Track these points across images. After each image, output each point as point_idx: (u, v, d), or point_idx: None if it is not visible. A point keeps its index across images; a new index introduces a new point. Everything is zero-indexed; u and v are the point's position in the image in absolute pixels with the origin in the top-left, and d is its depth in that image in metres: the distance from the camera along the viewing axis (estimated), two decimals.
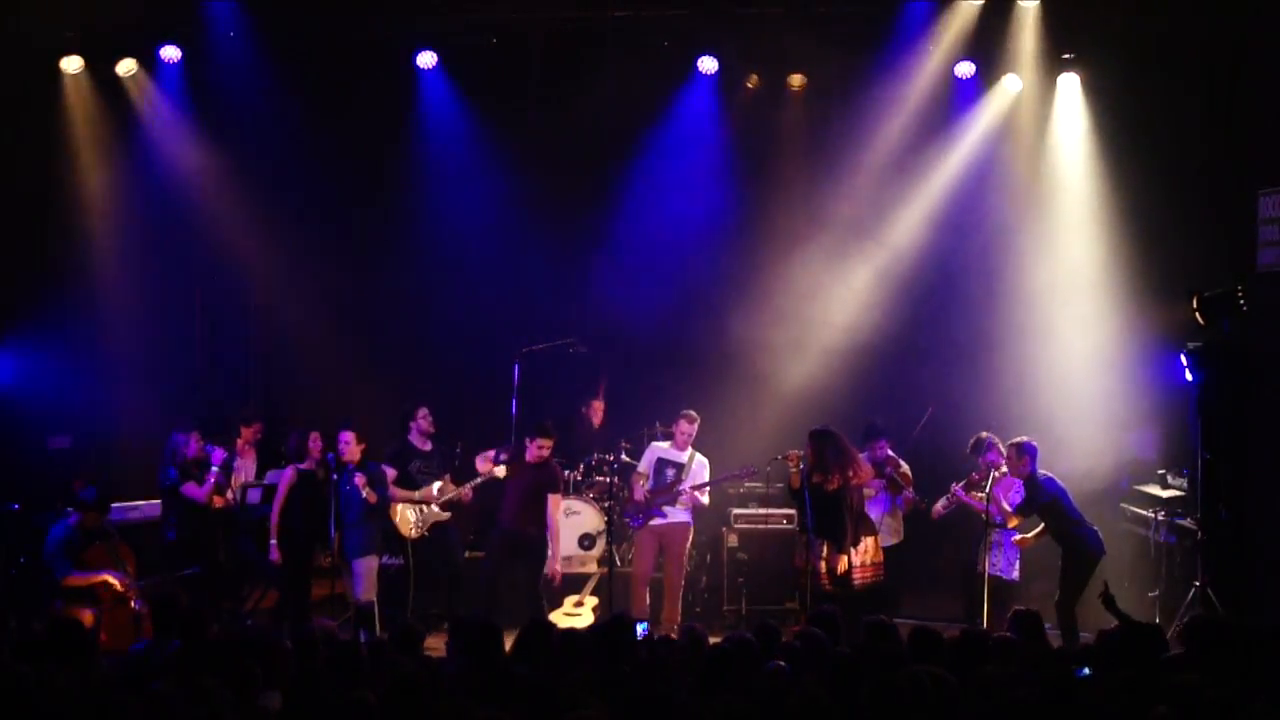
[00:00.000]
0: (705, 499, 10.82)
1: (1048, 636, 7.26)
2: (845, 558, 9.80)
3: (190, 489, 10.25)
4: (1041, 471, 9.92)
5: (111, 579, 9.29)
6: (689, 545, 10.96)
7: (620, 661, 6.26)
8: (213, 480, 10.25)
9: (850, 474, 9.86)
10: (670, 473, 10.77)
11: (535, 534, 10.23)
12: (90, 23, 11.74)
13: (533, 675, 6.12)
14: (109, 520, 9.77)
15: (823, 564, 9.78)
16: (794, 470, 9.89)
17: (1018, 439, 10.04)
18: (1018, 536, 10.08)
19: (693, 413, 10.80)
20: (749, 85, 12.71)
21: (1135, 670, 5.95)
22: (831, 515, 9.80)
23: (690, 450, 10.80)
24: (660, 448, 10.95)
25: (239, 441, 11.08)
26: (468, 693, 5.87)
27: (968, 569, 10.29)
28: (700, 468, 10.82)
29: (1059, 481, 9.98)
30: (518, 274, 12.83)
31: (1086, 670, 6.42)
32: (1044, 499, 9.86)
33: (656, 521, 10.73)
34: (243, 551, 10.64)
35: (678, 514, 10.75)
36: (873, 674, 5.69)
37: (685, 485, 10.70)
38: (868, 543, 10.04)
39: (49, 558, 9.41)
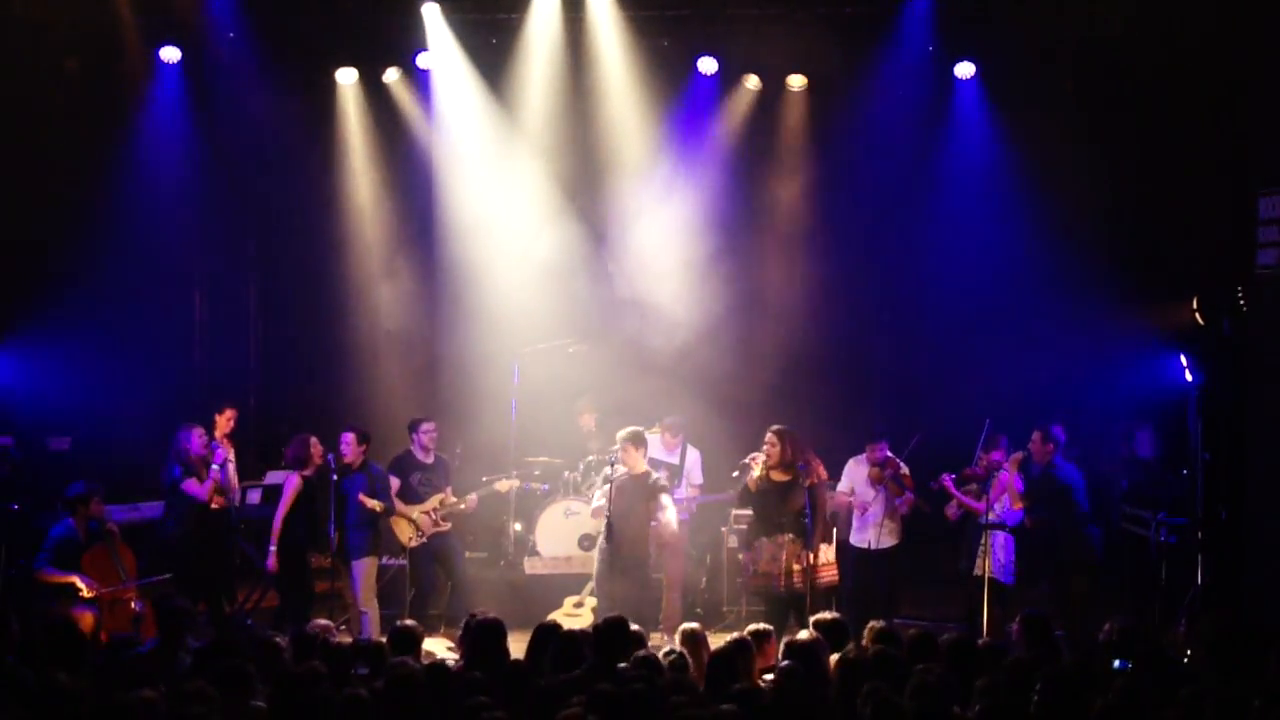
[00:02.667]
0: (699, 488, 10.80)
1: (1056, 640, 7.25)
2: (811, 554, 9.74)
3: (191, 486, 10.17)
4: (1067, 462, 9.96)
5: (80, 583, 9.25)
6: (685, 543, 10.95)
7: (615, 662, 6.27)
8: (213, 479, 10.20)
9: (813, 470, 9.81)
10: (663, 473, 10.72)
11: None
12: (91, 23, 11.75)
13: (537, 675, 6.15)
14: (110, 521, 9.78)
15: (781, 564, 9.72)
16: (757, 474, 9.84)
17: (1047, 426, 10.07)
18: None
19: (671, 421, 10.71)
20: (749, 86, 12.71)
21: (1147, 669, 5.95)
22: (791, 513, 9.76)
23: (678, 446, 10.76)
24: (651, 445, 10.90)
25: (216, 433, 10.85)
26: (470, 692, 5.87)
27: (965, 571, 10.26)
28: (694, 464, 10.79)
29: (1079, 475, 9.96)
30: (517, 273, 12.81)
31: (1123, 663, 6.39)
32: (1054, 487, 9.85)
33: (653, 524, 10.70)
34: (242, 552, 10.62)
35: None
36: (874, 677, 5.69)
37: (680, 492, 10.67)
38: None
39: (39, 552, 9.43)
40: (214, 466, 10.18)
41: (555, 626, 7.03)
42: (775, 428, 9.81)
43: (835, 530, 10.32)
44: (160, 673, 6.18)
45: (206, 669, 6.11)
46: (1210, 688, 5.42)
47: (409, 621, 9.66)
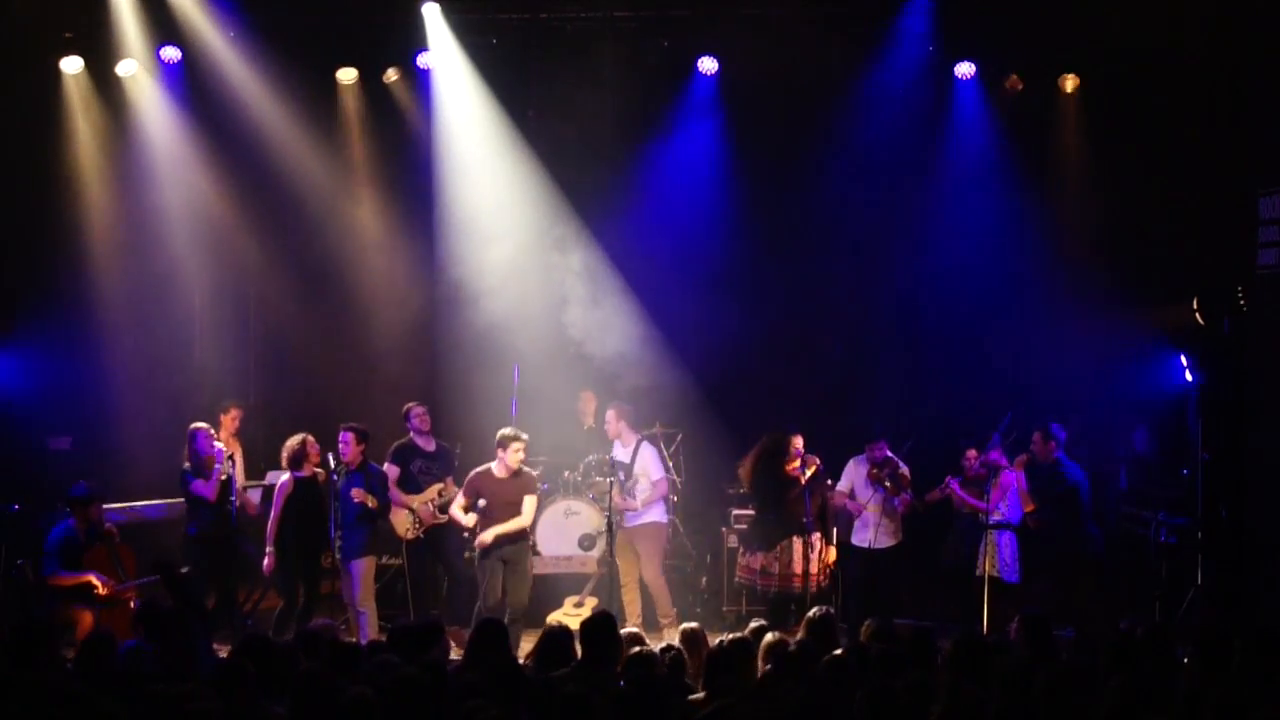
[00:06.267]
0: (664, 489, 10.73)
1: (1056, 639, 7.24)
2: (833, 549, 9.84)
3: (199, 486, 10.15)
4: (1069, 459, 9.96)
5: (95, 580, 9.25)
6: (663, 543, 10.89)
7: (606, 660, 6.26)
8: (216, 478, 10.18)
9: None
10: (622, 475, 10.71)
11: None
12: (90, 23, 11.75)
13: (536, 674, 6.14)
14: (109, 521, 9.77)
15: (777, 564, 9.78)
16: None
17: (1047, 425, 10.05)
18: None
19: (615, 409, 10.74)
20: (750, 86, 12.71)
21: (1144, 673, 5.94)
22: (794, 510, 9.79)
23: (633, 444, 10.72)
24: (616, 447, 10.90)
25: (221, 434, 10.84)
26: (471, 692, 5.87)
27: (966, 570, 10.26)
28: (649, 459, 10.72)
29: (1083, 472, 9.96)
30: (517, 273, 12.80)
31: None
32: (1063, 486, 9.85)
33: (625, 525, 10.66)
34: (244, 552, 10.60)
35: (643, 514, 10.69)
36: (871, 677, 5.69)
37: (634, 496, 10.62)
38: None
39: (45, 558, 9.42)
40: (218, 466, 10.16)
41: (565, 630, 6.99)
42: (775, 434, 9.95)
43: (835, 530, 10.35)
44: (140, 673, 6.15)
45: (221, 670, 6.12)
46: (1202, 688, 5.40)
47: (413, 618, 9.76)
